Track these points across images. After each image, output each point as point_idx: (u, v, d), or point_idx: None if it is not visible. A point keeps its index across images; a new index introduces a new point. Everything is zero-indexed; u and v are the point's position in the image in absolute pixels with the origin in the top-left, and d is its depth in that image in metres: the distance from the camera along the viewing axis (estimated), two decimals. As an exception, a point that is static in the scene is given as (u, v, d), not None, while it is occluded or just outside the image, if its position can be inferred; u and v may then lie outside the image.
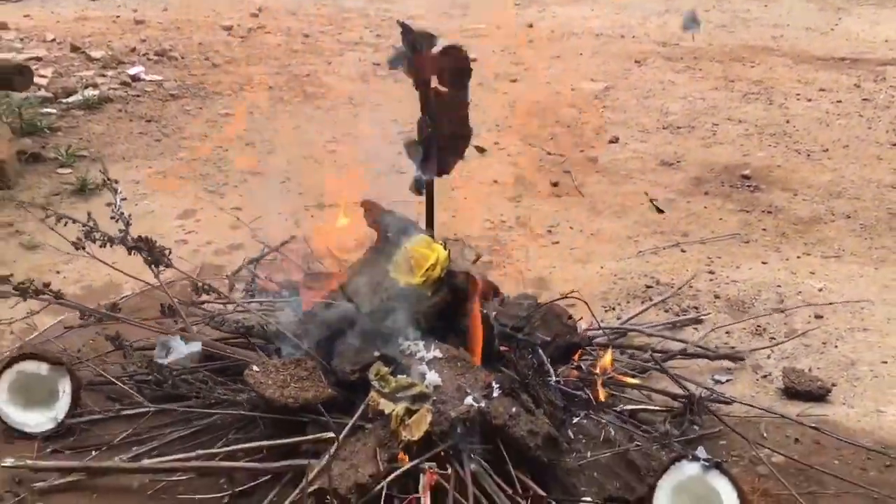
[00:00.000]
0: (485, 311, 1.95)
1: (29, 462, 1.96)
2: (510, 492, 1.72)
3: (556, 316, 2.11)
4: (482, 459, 1.75)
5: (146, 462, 1.93)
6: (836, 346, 2.46)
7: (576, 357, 2.05)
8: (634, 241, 3.14)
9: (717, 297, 2.73)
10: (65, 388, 2.13)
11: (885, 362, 2.39)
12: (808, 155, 3.97)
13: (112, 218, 2.31)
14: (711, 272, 2.89)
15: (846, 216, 3.31)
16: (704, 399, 2.06)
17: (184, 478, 1.92)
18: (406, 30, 1.93)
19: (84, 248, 2.28)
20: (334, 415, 1.83)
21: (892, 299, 2.72)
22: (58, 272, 3.01)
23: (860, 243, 3.09)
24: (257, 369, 1.90)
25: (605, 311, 2.67)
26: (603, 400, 1.98)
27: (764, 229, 3.22)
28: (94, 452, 2.06)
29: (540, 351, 1.96)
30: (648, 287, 2.79)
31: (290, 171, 3.89)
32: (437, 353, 1.86)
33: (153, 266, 2.18)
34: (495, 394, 1.87)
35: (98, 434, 2.10)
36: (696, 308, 2.67)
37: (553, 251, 3.09)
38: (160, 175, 3.84)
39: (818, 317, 2.61)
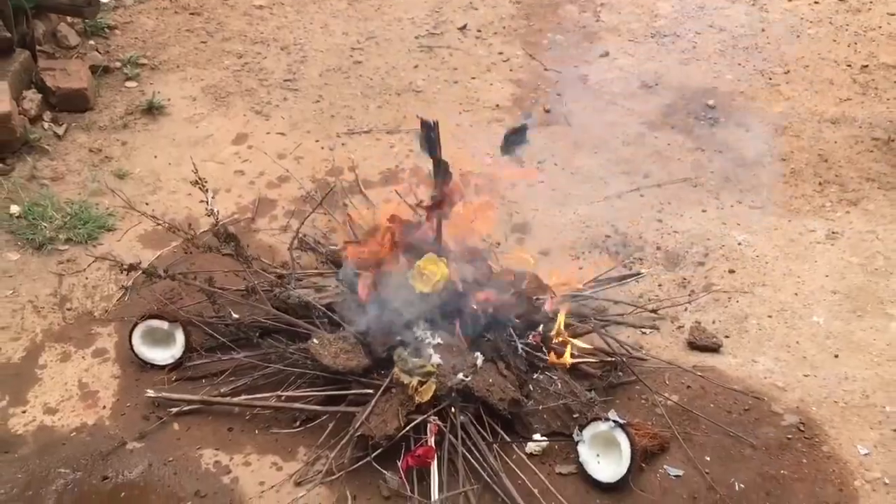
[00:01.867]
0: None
1: (164, 394, 2.91)
2: (486, 435, 2.68)
3: (526, 298, 2.95)
4: (469, 415, 2.68)
5: (242, 398, 2.88)
6: (737, 301, 3.29)
7: (537, 334, 2.90)
8: (605, 183, 3.88)
9: (658, 248, 3.52)
10: (179, 336, 3.04)
11: (770, 316, 3.23)
12: (770, 78, 4.56)
13: (207, 213, 3.05)
14: (660, 220, 3.66)
15: (782, 158, 4.00)
16: (626, 358, 2.95)
17: (268, 410, 2.87)
18: (425, 124, 2.59)
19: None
20: (370, 378, 2.75)
21: (793, 253, 3.50)
22: (146, 203, 3.81)
23: (784, 191, 3.81)
24: (316, 342, 2.80)
25: (572, 259, 3.48)
26: (554, 361, 2.87)
27: (712, 172, 3.93)
28: (203, 381, 3.01)
29: (511, 330, 2.83)
30: (608, 237, 3.57)
31: (321, 86, 4.54)
32: (440, 341, 2.74)
33: (240, 260, 2.97)
34: (479, 361, 2.77)
35: (204, 369, 3.03)
36: (641, 259, 3.48)
37: (538, 192, 3.83)
38: (212, 90, 4.50)
39: (731, 271, 3.42)
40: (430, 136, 2.55)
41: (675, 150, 4.04)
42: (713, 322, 3.18)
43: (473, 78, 4.57)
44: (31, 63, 4.28)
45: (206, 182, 3.05)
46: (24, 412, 2.87)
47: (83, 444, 2.76)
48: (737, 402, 2.89)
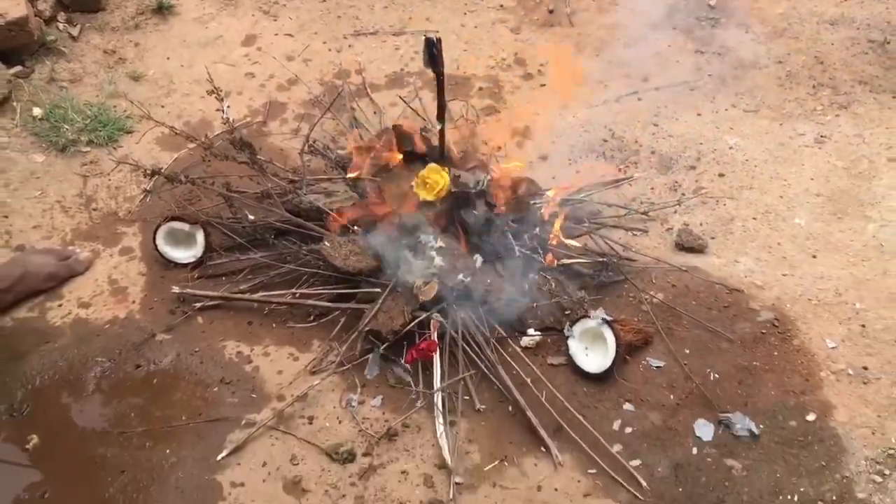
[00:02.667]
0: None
1: (188, 290, 3.16)
2: (484, 330, 2.93)
3: (524, 201, 3.15)
4: (468, 312, 2.93)
5: (259, 295, 3.12)
6: (725, 204, 3.48)
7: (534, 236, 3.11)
8: (604, 86, 4.00)
9: (653, 152, 3.68)
10: (199, 237, 3.26)
11: (755, 219, 3.43)
12: (775, -25, 4.59)
13: (223, 122, 3.22)
14: (656, 124, 3.81)
15: (778, 61, 4.10)
16: (616, 259, 3.16)
17: (283, 306, 3.12)
18: (428, 42, 2.71)
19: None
20: (378, 278, 2.99)
21: (782, 156, 3.66)
22: (162, 106, 3.97)
23: (779, 95, 3.93)
24: (328, 244, 3.02)
25: (569, 163, 3.65)
26: (549, 263, 3.10)
27: (710, 74, 4.04)
28: (223, 279, 3.25)
29: (509, 234, 3.04)
30: (605, 141, 3.74)
31: (327, -16, 4.60)
32: (442, 245, 2.95)
33: (253, 166, 3.16)
34: (479, 263, 3.00)
35: (224, 268, 3.26)
36: (636, 163, 3.65)
37: (539, 95, 3.97)
38: (221, -13, 4.57)
39: (721, 175, 3.59)
40: (432, 53, 2.67)
41: (675, 53, 4.13)
42: (700, 224, 3.37)
43: (478, -24, 4.61)
44: (43, -37, 4.34)
45: (221, 92, 3.19)
46: (60, 306, 3.12)
47: (116, 336, 3.02)
48: (717, 300, 3.11)
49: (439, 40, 2.70)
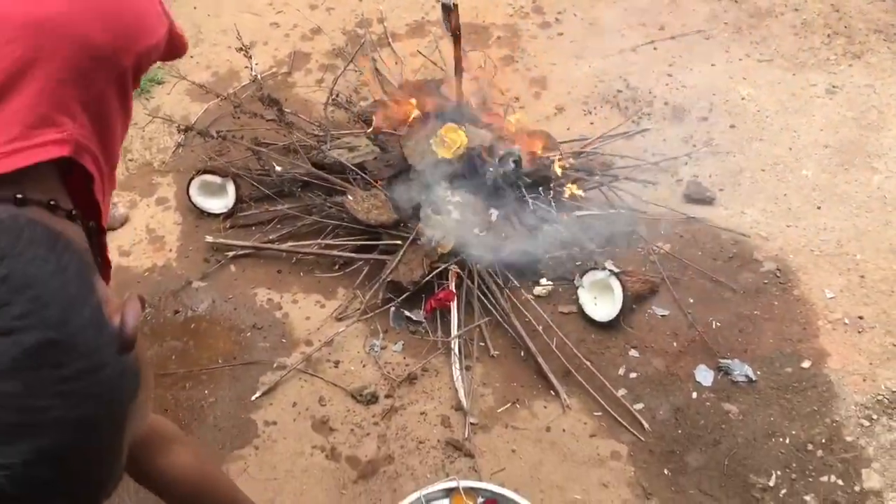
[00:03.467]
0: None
1: (220, 239, 3.36)
2: (498, 280, 3.12)
3: (539, 157, 3.29)
4: (484, 263, 3.11)
5: (288, 245, 3.32)
6: (734, 156, 3.59)
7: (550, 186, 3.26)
8: (621, 35, 4.08)
9: (666, 103, 3.78)
10: (230, 188, 3.45)
11: (763, 170, 3.55)
12: (796, -81, 4.58)
13: (251, 79, 3.37)
14: (670, 75, 3.90)
15: (795, 9, 4.14)
16: (625, 211, 3.31)
17: (310, 256, 3.31)
18: (445, 6, 2.83)
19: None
20: (398, 231, 3.17)
21: (793, 107, 3.75)
22: (191, 56, 4.11)
23: (793, 44, 3.99)
24: (351, 198, 3.19)
25: (584, 114, 3.77)
26: (562, 215, 3.25)
27: (725, 23, 4.10)
28: (253, 229, 3.45)
29: (523, 189, 3.20)
30: (619, 91, 3.84)
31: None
32: (458, 199, 3.12)
33: (280, 123, 3.32)
34: (494, 217, 3.17)
35: (254, 218, 3.45)
36: (649, 115, 3.75)
37: (556, 45, 4.06)
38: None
39: (732, 126, 3.70)
40: (448, 15, 2.79)
41: (692, 1, 4.18)
42: (710, 176, 3.49)
43: (499, -80, 4.64)
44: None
45: (250, 49, 3.33)
46: (102, 255, 3.33)
47: (156, 283, 3.24)
48: (722, 251, 3.26)
49: (456, 5, 2.80)
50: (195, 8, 4.27)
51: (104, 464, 0.83)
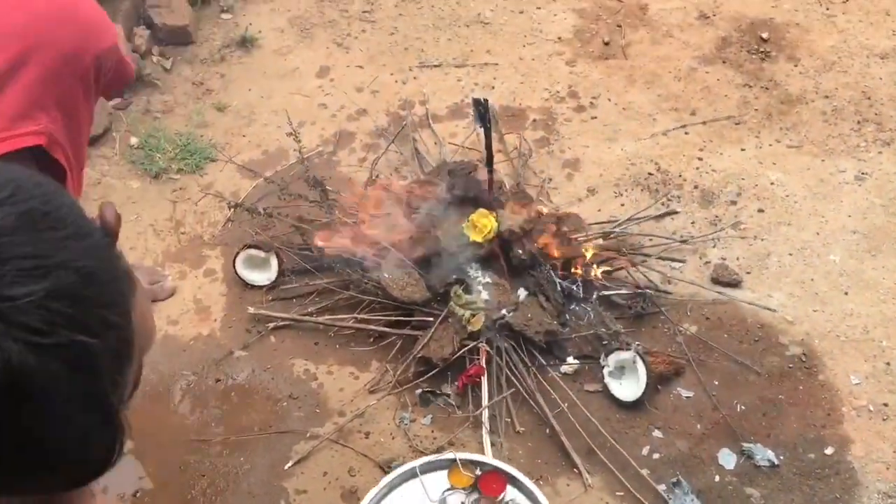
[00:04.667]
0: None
1: (262, 311, 3.53)
2: (525, 359, 3.22)
3: (567, 238, 3.42)
4: (511, 342, 3.22)
5: (325, 318, 3.47)
6: (762, 239, 3.67)
7: (578, 266, 3.38)
8: (653, 120, 4.22)
9: (695, 186, 3.89)
10: (273, 262, 3.62)
11: (791, 255, 3.62)
12: (827, 8, 4.71)
13: (301, 165, 3.59)
14: (700, 158, 4.01)
15: (825, 96, 4.24)
16: (653, 291, 3.41)
17: (346, 329, 3.45)
18: (476, 102, 3.00)
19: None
20: (430, 308, 3.31)
21: (822, 193, 3.83)
22: (243, 135, 4.35)
23: (823, 130, 4.08)
24: (387, 275, 3.35)
25: (615, 196, 3.90)
26: (589, 295, 3.36)
27: (756, 109, 4.21)
28: (293, 301, 3.61)
29: (551, 270, 3.32)
30: (650, 174, 3.96)
31: (396, 17, 4.92)
32: (488, 280, 3.25)
33: (322, 204, 3.51)
34: (522, 296, 3.29)
35: (294, 291, 3.62)
36: (679, 197, 3.86)
37: (590, 128, 4.20)
38: (298, 21, 4.93)
39: (760, 210, 3.79)
40: (480, 112, 2.96)
41: (724, 87, 4.31)
42: (737, 259, 3.58)
43: (539, 8, 4.86)
44: (139, 0, 4.78)
45: (298, 130, 3.55)
46: (151, 323, 3.52)
47: (200, 352, 3.41)
48: (748, 333, 3.33)
49: (486, 101, 2.97)
50: (250, 90, 4.53)
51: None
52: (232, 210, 3.66)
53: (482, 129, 3.05)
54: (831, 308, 3.37)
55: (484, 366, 3.14)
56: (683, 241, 3.61)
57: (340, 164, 4.15)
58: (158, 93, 4.48)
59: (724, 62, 4.44)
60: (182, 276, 3.69)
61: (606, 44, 4.61)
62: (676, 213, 3.75)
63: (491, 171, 3.20)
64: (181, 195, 4.01)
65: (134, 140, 4.22)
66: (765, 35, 4.54)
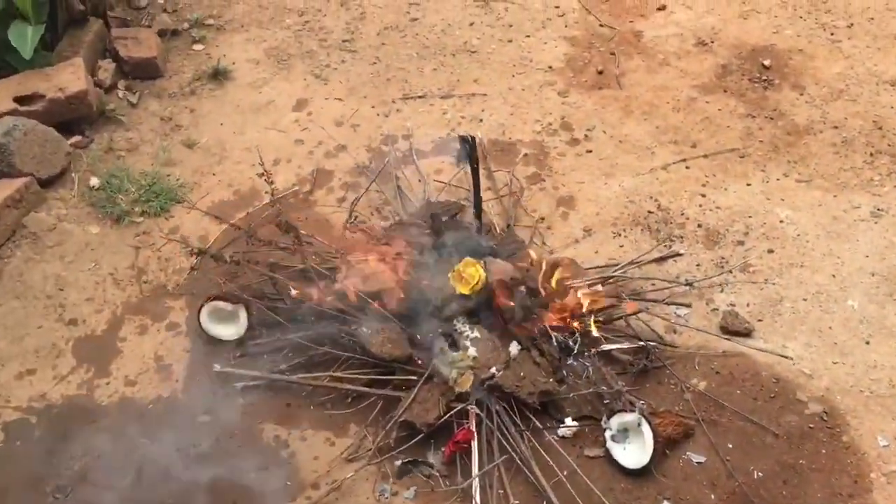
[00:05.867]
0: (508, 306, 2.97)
1: (229, 369, 3.20)
2: (517, 422, 2.90)
3: (563, 286, 3.12)
4: (503, 403, 2.91)
5: (298, 376, 3.14)
6: (773, 283, 3.38)
7: (576, 323, 3.07)
8: (651, 153, 3.93)
9: (699, 225, 3.60)
10: (242, 315, 3.31)
11: (805, 300, 3.32)
12: (832, 33, 4.46)
13: (268, 203, 3.29)
14: (703, 195, 3.72)
15: (834, 126, 3.97)
16: (657, 344, 3.10)
17: (322, 388, 3.13)
18: (463, 139, 2.72)
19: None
20: (413, 366, 2.99)
21: (836, 231, 3.54)
22: (213, 174, 4.05)
23: (834, 163, 3.81)
24: (367, 330, 3.04)
25: (614, 236, 3.60)
26: (588, 349, 3.05)
27: (761, 141, 3.94)
28: (265, 357, 3.29)
29: (547, 324, 3.01)
30: (650, 212, 3.67)
31: (378, 46, 4.65)
32: (477, 335, 2.94)
33: (294, 250, 3.20)
34: (514, 351, 2.98)
35: (265, 346, 3.29)
36: (682, 237, 3.57)
37: (585, 162, 3.92)
38: (274, 52, 4.65)
39: (770, 251, 3.49)
40: (466, 150, 2.67)
41: (726, 117, 4.05)
42: (747, 305, 3.28)
43: (528, 36, 4.60)
44: (105, 31, 4.52)
45: (271, 169, 3.26)
46: (107, 384, 3.21)
47: (159, 416, 3.09)
48: (763, 389, 3.03)
49: (474, 139, 2.69)
50: (221, 125, 4.25)
51: None
52: (196, 257, 3.34)
53: (470, 168, 2.75)
54: (852, 359, 3.08)
55: (473, 430, 2.82)
56: (689, 285, 3.33)
57: (317, 204, 3.85)
58: (123, 129, 4.19)
59: (724, 91, 4.18)
60: (143, 331, 3.38)
61: (600, 73, 4.34)
62: (680, 254, 3.46)
63: (479, 215, 2.90)
64: (144, 240, 3.71)
65: (94, 181, 3.92)
66: (767, 62, 4.28)
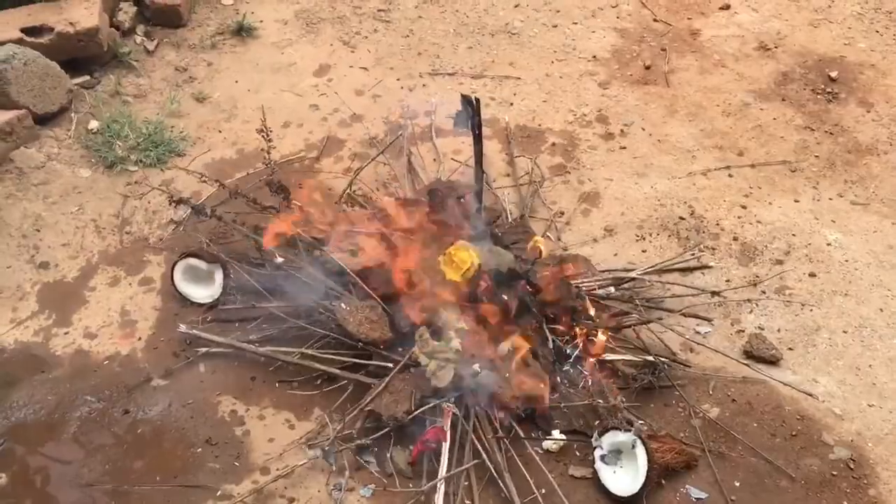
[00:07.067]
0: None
1: (195, 331, 2.92)
2: (497, 428, 2.56)
3: (566, 283, 2.77)
4: (484, 405, 2.57)
5: (267, 349, 2.85)
6: (811, 310, 2.99)
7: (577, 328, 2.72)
8: (692, 157, 3.57)
9: (735, 238, 3.23)
10: (218, 276, 3.03)
11: (846, 332, 2.93)
12: (910, 51, 4.05)
13: (263, 164, 3.02)
14: (744, 207, 3.35)
15: (901, 148, 3.57)
16: (668, 361, 2.74)
17: (290, 365, 2.82)
18: (466, 101, 2.41)
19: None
20: (392, 353, 2.67)
21: (890, 262, 3.13)
22: (219, 131, 3.79)
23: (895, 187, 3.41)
24: (345, 307, 2.73)
25: (637, 240, 3.25)
26: (587, 356, 2.70)
27: (816, 156, 3.55)
28: (236, 325, 3.00)
29: (544, 324, 2.67)
30: (681, 219, 3.30)
31: (415, 19, 4.36)
32: (464, 326, 2.61)
33: (282, 206, 2.91)
34: (505, 350, 2.64)
35: (238, 313, 3.01)
36: (713, 249, 3.20)
37: (617, 158, 3.57)
38: (304, 14, 4.39)
39: (812, 275, 3.11)
40: (468, 112, 2.35)
41: (781, 127, 3.66)
42: (778, 330, 2.91)
43: (575, 23, 4.27)
44: (131, -26, 4.29)
45: (276, 134, 3.01)
46: (66, 333, 2.96)
47: (113, 375, 2.83)
48: (784, 425, 2.66)
49: (478, 100, 2.37)
50: (237, 82, 4.00)
51: None
52: (174, 206, 3.08)
53: (473, 134, 2.44)
54: (892, 404, 2.69)
55: (446, 431, 2.49)
56: (715, 293, 2.96)
57: (322, 172, 3.56)
58: (134, 75, 3.96)
59: (783, 100, 3.80)
60: (114, 283, 3.12)
61: (648, 68, 3.99)
62: (709, 267, 3.10)
63: (480, 193, 2.58)
64: (134, 190, 3.46)
65: (94, 123, 3.69)
66: (833, 74, 3.88)
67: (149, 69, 4.03)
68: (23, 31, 3.70)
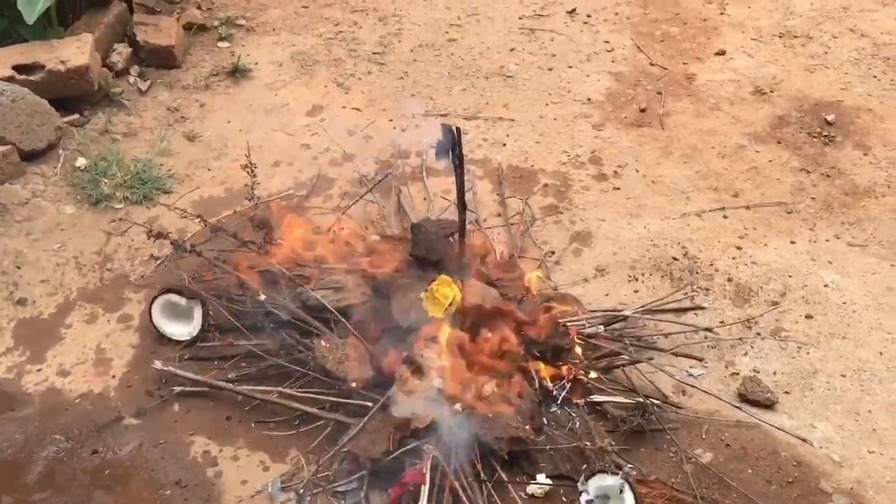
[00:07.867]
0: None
1: (170, 368, 2.83)
2: (480, 471, 2.45)
3: (553, 321, 2.68)
4: (465, 448, 2.46)
5: (245, 388, 2.76)
6: (808, 352, 2.89)
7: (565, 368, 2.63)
8: (686, 198, 3.51)
9: (729, 279, 3.14)
10: (198, 313, 2.95)
11: (844, 376, 2.82)
12: (908, 96, 4.01)
13: (246, 199, 2.98)
14: (739, 248, 3.27)
15: (899, 192, 3.50)
16: (659, 403, 2.63)
17: (267, 403, 2.73)
18: (447, 130, 2.36)
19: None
20: (371, 391, 2.58)
21: (889, 304, 3.04)
22: (208, 169, 3.75)
23: (894, 229, 3.33)
24: (325, 344, 2.64)
25: (629, 280, 3.17)
26: (577, 400, 2.60)
27: (813, 198, 3.48)
28: (214, 363, 2.91)
29: (531, 363, 2.58)
30: (675, 259, 3.22)
31: (410, 62, 4.35)
32: (446, 363, 2.52)
33: (259, 250, 2.85)
34: (488, 389, 2.54)
35: (216, 351, 2.92)
36: (707, 290, 3.11)
37: (610, 199, 3.51)
38: (300, 57, 4.39)
39: (808, 317, 3.01)
40: (450, 143, 2.30)
41: (776, 169, 3.61)
42: (774, 373, 2.81)
43: (570, 66, 4.26)
44: (127, 16, 4.32)
45: (255, 167, 2.98)
46: (39, 370, 2.88)
47: (84, 413, 2.75)
48: (780, 472, 2.54)
49: (458, 129, 2.32)
50: (229, 122, 3.97)
51: None
52: (154, 241, 3.02)
53: (453, 164, 2.38)
54: (893, 451, 2.57)
55: (426, 474, 2.38)
56: (708, 330, 2.87)
57: (311, 210, 3.51)
58: (124, 114, 3.95)
59: (778, 142, 3.75)
60: (91, 320, 3.05)
61: (643, 111, 3.96)
62: (702, 308, 3.02)
63: (463, 227, 2.51)
64: (118, 227, 3.40)
65: (81, 161, 3.66)
66: (830, 118, 3.84)
67: (140, 109, 4.01)
68: (14, 68, 3.69)
